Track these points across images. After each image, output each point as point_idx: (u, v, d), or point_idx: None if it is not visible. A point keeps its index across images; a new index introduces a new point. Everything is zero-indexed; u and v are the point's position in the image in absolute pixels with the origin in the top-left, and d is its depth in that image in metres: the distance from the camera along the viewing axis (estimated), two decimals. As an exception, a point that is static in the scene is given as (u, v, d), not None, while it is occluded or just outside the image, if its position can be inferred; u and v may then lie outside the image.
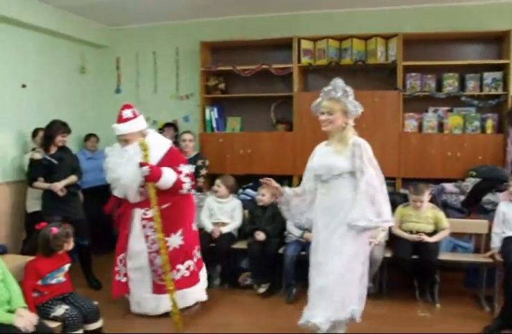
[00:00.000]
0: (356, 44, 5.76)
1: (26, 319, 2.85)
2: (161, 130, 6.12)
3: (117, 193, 4.15)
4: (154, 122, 6.48)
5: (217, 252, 4.88)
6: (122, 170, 3.95)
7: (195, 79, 6.26)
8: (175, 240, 4.10)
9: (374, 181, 3.23)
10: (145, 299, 4.16)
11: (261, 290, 4.81)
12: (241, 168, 5.90)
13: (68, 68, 6.35)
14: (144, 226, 4.08)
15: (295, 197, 3.55)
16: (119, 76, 6.91)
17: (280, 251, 4.83)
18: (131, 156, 3.93)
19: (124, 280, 4.16)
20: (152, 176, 3.84)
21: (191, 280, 4.19)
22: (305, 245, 4.65)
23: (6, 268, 3.02)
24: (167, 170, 3.96)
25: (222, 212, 5.12)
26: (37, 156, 4.82)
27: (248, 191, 5.72)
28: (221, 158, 5.91)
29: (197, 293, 4.28)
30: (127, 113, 3.98)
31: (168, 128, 6.25)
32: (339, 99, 3.30)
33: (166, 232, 3.99)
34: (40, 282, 3.26)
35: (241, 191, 5.77)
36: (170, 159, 4.07)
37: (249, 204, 5.34)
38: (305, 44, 5.86)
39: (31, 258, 3.39)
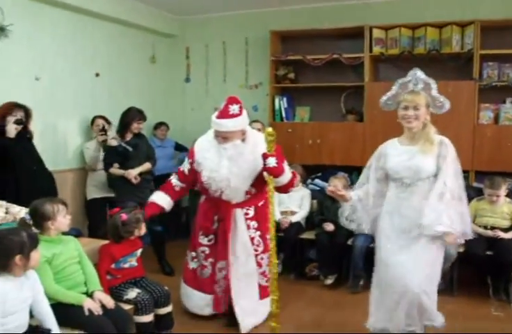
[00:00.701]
0: (430, 32, 5.57)
1: (99, 302, 2.92)
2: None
3: (214, 192, 3.72)
4: (215, 109, 6.50)
5: (285, 242, 4.86)
6: (225, 170, 3.57)
7: (265, 69, 6.24)
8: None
9: (453, 184, 3.02)
10: (253, 309, 3.83)
11: (328, 281, 4.77)
12: (310, 158, 5.85)
13: (139, 57, 6.45)
14: (248, 226, 3.78)
15: (358, 202, 3.32)
16: (188, 65, 6.97)
17: (349, 242, 4.78)
18: (231, 156, 3.56)
19: (221, 294, 3.86)
20: (279, 169, 3.40)
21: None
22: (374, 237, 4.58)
23: (82, 251, 3.09)
24: (286, 165, 3.58)
25: (291, 200, 5.09)
26: (113, 142, 4.93)
27: (317, 181, 5.67)
28: (290, 148, 5.86)
29: None
30: (235, 108, 3.51)
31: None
32: (423, 93, 3.10)
33: (265, 229, 3.73)
34: (113, 266, 3.32)
35: (309, 181, 5.72)
36: (277, 156, 3.56)
37: (318, 195, 5.30)
38: (377, 33, 5.72)
39: (105, 242, 3.47)
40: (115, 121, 5.72)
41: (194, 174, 3.78)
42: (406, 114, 3.11)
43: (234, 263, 3.75)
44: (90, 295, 2.96)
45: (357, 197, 3.31)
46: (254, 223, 3.77)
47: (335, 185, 4.95)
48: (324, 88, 6.03)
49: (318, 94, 6.14)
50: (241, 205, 3.75)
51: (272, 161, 3.33)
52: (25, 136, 4.52)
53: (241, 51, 6.62)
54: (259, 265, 3.82)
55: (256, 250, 3.79)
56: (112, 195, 5.24)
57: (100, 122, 5.40)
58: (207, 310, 3.94)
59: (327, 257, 4.79)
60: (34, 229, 2.89)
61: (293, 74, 6.14)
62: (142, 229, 3.48)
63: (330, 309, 4.29)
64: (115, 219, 3.41)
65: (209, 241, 3.86)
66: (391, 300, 3.16)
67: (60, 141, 5.36)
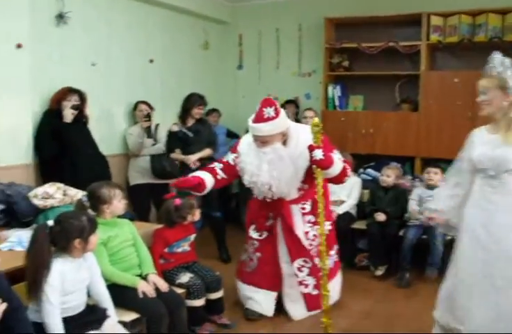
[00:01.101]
0: (492, 19, 5.37)
1: (153, 284, 2.97)
2: (282, 107, 6.10)
3: (258, 195, 3.61)
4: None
5: (336, 232, 4.81)
6: (266, 174, 3.42)
7: (318, 56, 6.17)
8: (326, 227, 3.63)
9: None
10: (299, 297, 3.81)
11: (378, 272, 4.70)
12: (363, 148, 5.78)
13: (191, 44, 6.46)
14: (305, 221, 3.69)
15: (450, 199, 3.06)
16: (241, 52, 6.96)
17: (400, 233, 4.71)
18: (271, 160, 3.40)
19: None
20: (326, 161, 3.19)
21: (338, 263, 4.10)
22: (426, 229, 4.49)
23: (137, 234, 3.13)
24: (334, 155, 3.37)
25: (341, 189, 5.04)
26: (174, 128, 4.97)
27: (369, 170, 5.58)
28: (343, 136, 5.80)
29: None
30: (269, 111, 3.29)
31: (289, 105, 6.21)
32: (496, 75, 2.79)
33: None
34: (166, 250, 3.36)
35: (361, 170, 5.65)
36: (324, 146, 3.30)
37: (370, 184, 5.23)
38: (435, 21, 5.56)
39: (159, 226, 3.50)
40: (168, 107, 5.79)
41: (236, 169, 3.65)
42: (477, 100, 2.89)
43: (285, 261, 3.72)
44: (144, 277, 3.00)
45: (450, 205, 3.06)
46: (310, 218, 3.68)
47: (388, 175, 4.89)
48: (378, 77, 5.93)
49: (372, 83, 6.04)
50: (296, 201, 3.67)
51: (318, 154, 3.14)
52: (81, 120, 4.61)
53: (295, 39, 6.55)
54: (311, 258, 3.71)
55: (310, 245, 3.69)
56: (155, 181, 5.27)
57: (143, 107, 5.41)
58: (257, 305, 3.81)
59: (378, 248, 4.72)
60: (90, 212, 2.94)
61: (348, 62, 6.05)
62: (196, 215, 3.50)
63: (380, 300, 4.23)
64: (168, 204, 3.44)
65: (260, 235, 3.79)
66: (468, 295, 2.88)
67: (111, 126, 5.42)
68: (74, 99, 4.48)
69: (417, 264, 4.61)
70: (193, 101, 4.98)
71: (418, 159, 5.62)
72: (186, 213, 3.46)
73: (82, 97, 4.55)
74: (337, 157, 3.38)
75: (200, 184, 3.46)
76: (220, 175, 3.63)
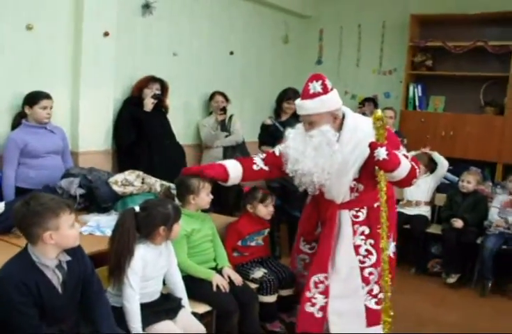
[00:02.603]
0: None
1: (227, 278, 2.96)
2: (360, 105, 5.99)
3: (309, 189, 3.01)
4: (352, 97, 6.38)
5: (410, 235, 4.69)
6: (309, 162, 2.85)
7: (401, 54, 6.00)
8: (392, 244, 3.21)
9: None
10: None
11: (451, 280, 4.54)
12: (441, 150, 5.54)
13: (272, 37, 6.42)
14: (355, 232, 3.01)
15: None
16: (321, 47, 6.86)
17: (478, 241, 4.52)
18: (318, 145, 2.82)
19: (319, 315, 2.99)
20: (391, 161, 2.68)
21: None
22: (507, 239, 4.31)
23: (215, 229, 3.15)
24: (400, 154, 2.81)
25: (417, 191, 4.90)
26: (268, 121, 4.96)
27: (447, 174, 5.40)
28: (421, 138, 5.64)
29: None
30: (316, 86, 2.80)
31: (368, 103, 6.09)
32: None
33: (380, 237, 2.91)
34: (240, 243, 3.33)
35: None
36: (387, 143, 2.79)
37: (447, 188, 5.06)
38: (529, 20, 5.33)
39: (233, 219, 3.49)
40: (245, 99, 5.78)
41: (282, 159, 3.06)
42: None
43: (334, 277, 3.00)
44: (219, 271, 3.00)
45: None
46: (364, 229, 3.01)
47: (469, 181, 4.73)
48: (463, 78, 5.73)
49: (456, 84, 5.84)
50: (348, 206, 3.02)
51: (382, 153, 2.66)
52: (160, 109, 4.65)
53: (377, 35, 6.41)
54: (367, 282, 2.99)
55: (362, 262, 2.99)
56: None
57: (219, 98, 5.41)
58: None
59: (452, 255, 4.56)
60: (176, 201, 2.96)
61: (431, 61, 5.87)
62: (269, 208, 3.43)
63: (451, 309, 4.09)
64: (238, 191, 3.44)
65: (311, 249, 3.25)
66: None
67: (187, 116, 5.43)
68: (155, 88, 4.53)
69: (498, 274, 4.44)
70: (284, 95, 4.96)
71: (500, 165, 5.40)
72: (254, 201, 3.41)
73: (164, 86, 4.59)
74: (403, 155, 2.83)
75: (225, 177, 3.05)
76: (259, 165, 3.12)
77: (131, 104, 4.53)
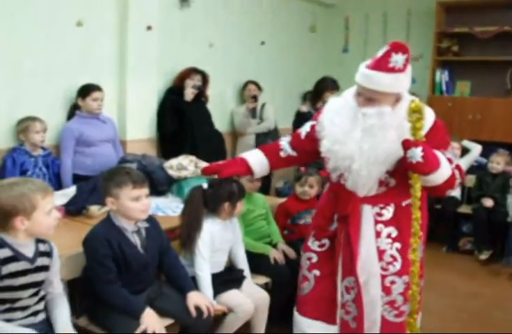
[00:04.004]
0: None
1: (282, 252, 3.20)
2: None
3: (333, 175, 2.59)
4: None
5: (441, 215, 4.90)
6: (354, 145, 2.37)
7: (426, 41, 6.15)
8: (420, 250, 2.58)
9: None
10: None
11: (483, 257, 4.74)
12: (468, 134, 5.75)
13: (300, 26, 6.60)
14: (378, 234, 2.54)
15: None
16: (347, 35, 7.03)
17: (508, 220, 4.72)
18: (370, 127, 2.35)
19: (353, 325, 2.64)
20: (427, 165, 2.22)
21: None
22: None
23: (269, 208, 3.38)
24: (442, 157, 2.31)
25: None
26: (303, 109, 5.13)
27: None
28: (448, 122, 5.64)
29: None
30: (398, 59, 2.27)
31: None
32: None
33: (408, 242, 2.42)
34: (289, 221, 3.54)
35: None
36: (434, 138, 2.35)
37: (476, 170, 5.25)
38: (556, 4, 5.45)
39: (282, 200, 3.72)
40: (276, 88, 5.99)
41: (311, 142, 2.63)
42: None
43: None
44: (273, 246, 3.23)
45: None
46: (390, 230, 2.54)
47: (498, 162, 4.91)
48: (489, 62, 5.87)
49: (482, 69, 5.98)
50: (371, 201, 2.54)
51: (416, 155, 2.19)
52: (201, 99, 4.88)
53: (403, 23, 6.55)
54: (387, 291, 2.56)
55: (384, 269, 2.54)
56: None
57: (252, 87, 5.64)
58: None
59: (483, 233, 4.76)
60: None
61: (457, 46, 6.02)
62: (304, 187, 3.55)
63: (485, 284, 4.30)
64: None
65: (321, 246, 2.74)
66: None
67: (222, 104, 5.64)
68: (196, 79, 4.76)
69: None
70: (325, 85, 5.08)
71: (527, 147, 5.58)
72: (307, 183, 3.54)
73: (205, 77, 4.82)
74: (445, 160, 2.33)
75: (248, 173, 2.77)
76: (286, 150, 2.75)
77: (173, 93, 4.76)
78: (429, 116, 2.38)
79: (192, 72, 4.77)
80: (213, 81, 5.21)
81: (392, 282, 2.56)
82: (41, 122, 3.75)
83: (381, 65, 2.29)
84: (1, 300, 2.01)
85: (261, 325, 2.92)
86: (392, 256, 2.54)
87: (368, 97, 2.35)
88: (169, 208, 3.30)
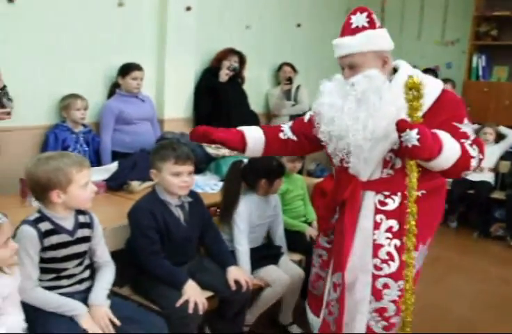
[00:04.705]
0: None
1: (317, 231, 3.24)
2: (421, 75, 6.12)
3: (335, 159, 2.34)
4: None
5: (474, 200, 4.89)
6: (347, 117, 2.17)
7: (464, 25, 6.08)
8: (420, 255, 2.32)
9: None
10: None
11: (515, 242, 4.75)
12: (505, 119, 5.68)
13: (336, 10, 6.55)
14: (377, 225, 2.24)
15: None
16: (382, 19, 6.95)
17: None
18: (363, 93, 2.14)
19: (333, 328, 2.38)
20: (425, 149, 1.91)
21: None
22: None
23: (306, 189, 3.42)
24: (446, 137, 2.01)
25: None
26: None
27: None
28: (484, 107, 5.75)
29: None
30: (359, 19, 2.18)
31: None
32: None
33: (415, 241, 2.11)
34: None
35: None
36: (442, 112, 2.13)
37: (511, 156, 5.22)
38: None
39: (318, 180, 3.76)
40: (310, 70, 5.99)
41: (313, 127, 2.39)
42: None
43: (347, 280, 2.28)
44: (309, 224, 3.30)
45: None
46: (391, 223, 2.24)
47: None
48: (528, 47, 5.79)
49: (520, 54, 5.91)
50: (375, 186, 2.25)
51: (411, 137, 1.89)
52: (237, 80, 4.92)
53: (440, 6, 6.46)
54: (377, 296, 2.25)
55: (378, 269, 2.24)
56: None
57: (287, 69, 5.66)
58: None
59: (517, 219, 4.75)
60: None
61: (496, 30, 5.93)
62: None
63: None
64: None
65: (329, 242, 2.51)
66: None
67: (257, 86, 5.66)
68: (233, 60, 4.79)
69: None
70: None
71: None
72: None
73: (242, 58, 4.86)
74: (451, 140, 2.02)
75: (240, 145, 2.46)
76: (286, 133, 2.53)
77: (210, 74, 4.81)
78: (434, 89, 2.16)
79: (229, 52, 4.81)
80: (248, 62, 5.23)
81: (385, 286, 2.24)
82: (82, 100, 3.84)
83: (345, 30, 2.22)
84: (48, 270, 2.10)
85: (292, 300, 3.00)
86: (388, 253, 2.23)
87: (348, 65, 2.20)
88: (207, 185, 3.37)
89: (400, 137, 1.94)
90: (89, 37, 4.00)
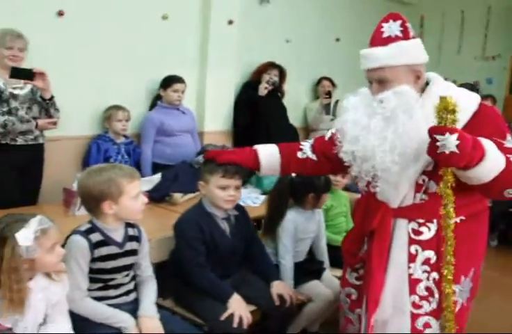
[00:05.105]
0: None
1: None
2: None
3: (361, 185, 2.15)
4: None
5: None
6: (373, 137, 1.96)
7: (506, 40, 6.05)
8: (464, 288, 2.07)
9: None
10: None
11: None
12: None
13: (375, 23, 6.50)
14: (412, 257, 2.01)
15: None
16: (421, 34, 6.92)
17: None
18: (392, 112, 1.93)
19: None
20: (463, 156, 1.71)
21: None
22: None
23: (348, 205, 3.38)
24: (490, 146, 1.79)
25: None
26: None
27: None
28: (525, 123, 5.67)
29: None
30: (393, 27, 1.98)
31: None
32: None
33: (455, 273, 1.93)
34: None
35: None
36: (481, 128, 1.89)
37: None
38: None
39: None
40: (349, 84, 5.96)
41: (334, 145, 2.19)
42: None
43: (377, 318, 2.04)
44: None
45: None
46: (428, 254, 2.00)
47: None
48: None
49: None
50: (408, 213, 2.02)
51: (450, 142, 1.68)
52: (277, 93, 4.93)
53: (481, 21, 6.43)
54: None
55: (417, 307, 2.01)
56: None
57: (326, 83, 5.66)
58: None
59: None
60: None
61: (539, 46, 5.87)
62: None
63: None
64: None
65: (358, 279, 2.25)
66: None
67: (296, 100, 5.67)
68: (273, 74, 4.81)
69: None
70: None
71: None
72: None
73: (282, 72, 4.88)
74: (495, 149, 1.80)
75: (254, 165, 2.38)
76: (305, 152, 2.36)
77: (250, 87, 4.84)
78: (470, 104, 1.95)
79: (269, 66, 4.83)
80: (287, 76, 5.26)
81: (426, 325, 1.99)
82: (123, 111, 3.89)
83: (375, 39, 2.02)
84: (95, 279, 2.11)
85: (327, 313, 2.92)
86: (427, 289, 2.00)
87: (378, 80, 1.98)
88: (249, 198, 3.37)
89: (432, 142, 1.73)
90: (133, 50, 4.07)
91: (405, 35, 1.97)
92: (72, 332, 1.95)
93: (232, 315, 2.29)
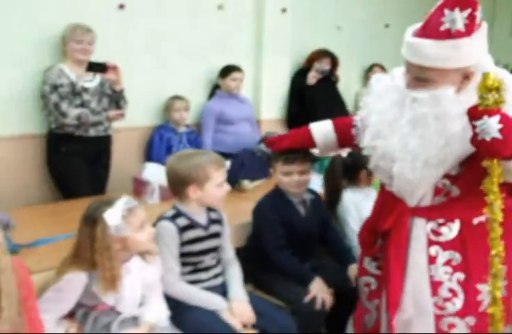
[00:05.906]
0: None
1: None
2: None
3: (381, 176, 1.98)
4: (505, 66, 6.32)
5: None
6: (397, 139, 1.78)
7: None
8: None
9: None
10: None
11: None
12: None
13: (423, 9, 6.39)
14: (432, 259, 1.87)
15: None
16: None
17: None
18: (422, 116, 1.71)
19: None
20: (508, 142, 1.48)
21: None
22: None
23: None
24: None
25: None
26: None
27: None
28: None
29: None
30: (456, 17, 1.60)
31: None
32: None
33: (478, 272, 1.81)
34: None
35: None
36: None
37: None
38: None
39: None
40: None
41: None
42: None
43: (399, 319, 1.93)
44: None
45: None
46: (449, 255, 1.85)
47: None
48: None
49: None
50: (427, 213, 1.87)
51: (491, 127, 1.46)
52: (330, 80, 4.93)
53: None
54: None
55: (441, 308, 1.87)
56: None
57: (378, 70, 5.62)
58: None
59: None
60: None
61: None
62: None
63: None
64: None
65: (379, 268, 2.07)
66: None
67: (346, 87, 5.59)
68: (325, 62, 4.82)
69: None
70: None
71: None
72: None
73: (334, 60, 4.88)
74: None
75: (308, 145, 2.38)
76: (359, 128, 2.16)
77: (301, 75, 4.86)
78: None
79: (321, 54, 4.84)
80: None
81: (451, 326, 1.87)
82: (182, 101, 3.95)
83: (430, 28, 1.64)
84: (186, 263, 2.18)
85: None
86: (450, 290, 1.85)
87: (420, 77, 1.71)
88: (314, 184, 3.40)
89: (473, 127, 1.50)
90: (191, 40, 4.14)
91: (469, 30, 1.60)
92: (169, 312, 2.03)
93: (314, 298, 2.34)
